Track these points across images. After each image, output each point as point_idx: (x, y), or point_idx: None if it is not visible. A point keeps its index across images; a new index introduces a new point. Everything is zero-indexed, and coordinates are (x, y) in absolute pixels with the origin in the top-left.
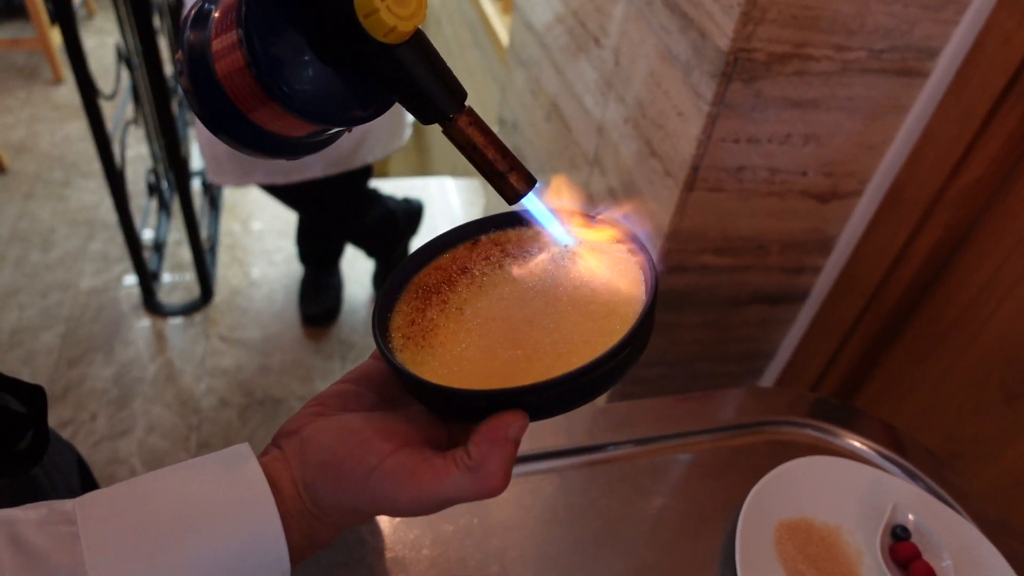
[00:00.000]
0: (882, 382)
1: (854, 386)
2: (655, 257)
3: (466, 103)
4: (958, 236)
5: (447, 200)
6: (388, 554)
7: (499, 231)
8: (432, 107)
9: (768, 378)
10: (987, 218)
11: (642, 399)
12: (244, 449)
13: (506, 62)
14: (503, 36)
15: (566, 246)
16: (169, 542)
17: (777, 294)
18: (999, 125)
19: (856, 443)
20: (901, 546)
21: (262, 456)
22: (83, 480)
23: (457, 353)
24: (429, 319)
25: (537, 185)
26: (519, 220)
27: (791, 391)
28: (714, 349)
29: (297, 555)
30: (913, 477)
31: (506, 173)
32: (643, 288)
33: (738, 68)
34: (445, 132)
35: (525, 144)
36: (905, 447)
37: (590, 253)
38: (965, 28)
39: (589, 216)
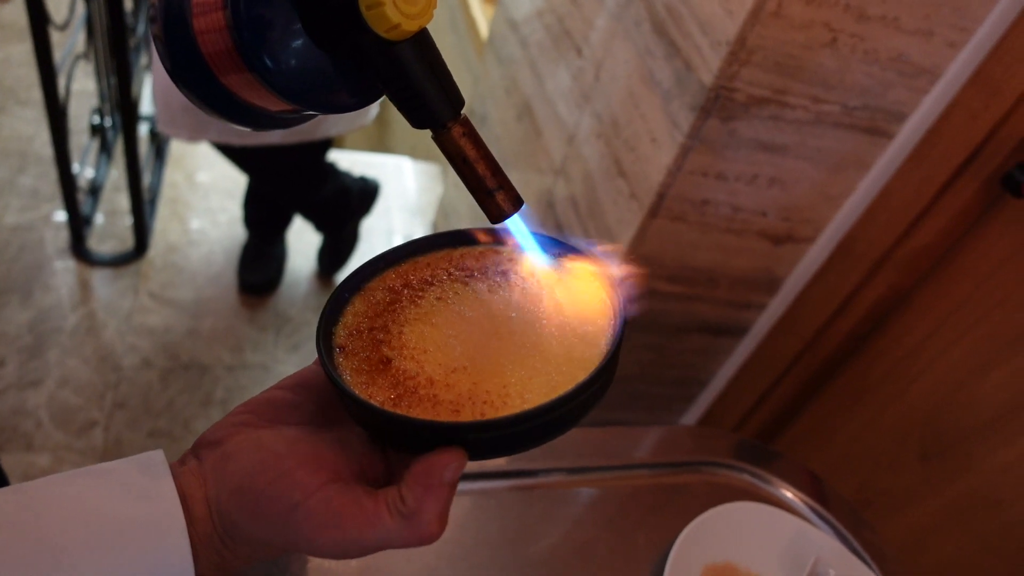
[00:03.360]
0: (807, 424)
1: (780, 424)
2: (625, 301)
3: (462, 112)
4: (898, 296)
5: (403, 182)
6: (314, 562)
7: (469, 246)
8: (425, 112)
9: (700, 405)
10: (928, 284)
11: (584, 426)
12: (157, 458)
13: (482, 53)
14: (482, 26)
15: (540, 272)
16: (56, 563)
17: (720, 326)
18: (953, 197)
19: (787, 492)
20: None
21: (179, 464)
22: None
23: (407, 373)
24: (379, 333)
25: (523, 207)
26: (493, 238)
27: (719, 430)
28: (653, 371)
29: None
30: (836, 532)
31: (494, 191)
32: (609, 331)
33: (718, 105)
34: (435, 139)
35: (492, 140)
36: (830, 500)
37: (562, 286)
38: (934, 98)
39: (570, 247)
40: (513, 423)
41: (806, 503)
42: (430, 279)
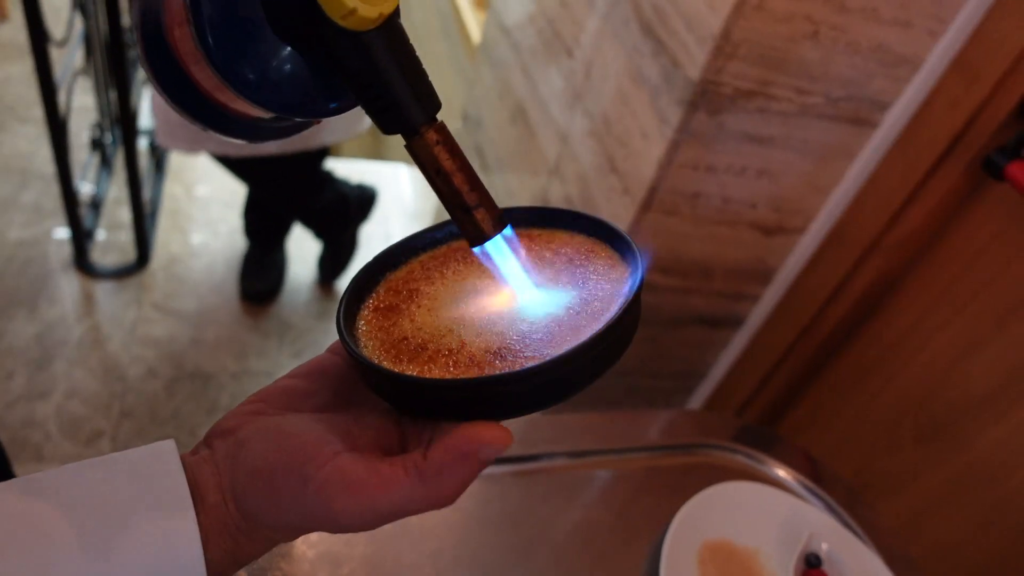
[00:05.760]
0: (805, 411)
1: (779, 412)
2: (640, 248)
3: (438, 116)
4: (889, 282)
5: (399, 188)
6: (321, 547)
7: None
8: (395, 114)
9: (699, 397)
10: (916, 269)
11: (579, 411)
12: (168, 447)
13: (474, 58)
14: (474, 31)
15: (556, 242)
16: (64, 554)
17: (716, 318)
18: (938, 182)
19: (781, 472)
20: (813, 573)
21: (191, 454)
22: None
23: (427, 348)
24: (399, 314)
25: (507, 229)
26: (524, 220)
27: (721, 415)
28: (651, 365)
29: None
30: (830, 509)
31: (473, 208)
32: (625, 283)
33: (705, 99)
34: (408, 147)
35: (487, 143)
36: (825, 480)
37: (575, 250)
38: (916, 87)
39: (573, 215)
40: (540, 372)
41: (801, 482)
42: (445, 261)
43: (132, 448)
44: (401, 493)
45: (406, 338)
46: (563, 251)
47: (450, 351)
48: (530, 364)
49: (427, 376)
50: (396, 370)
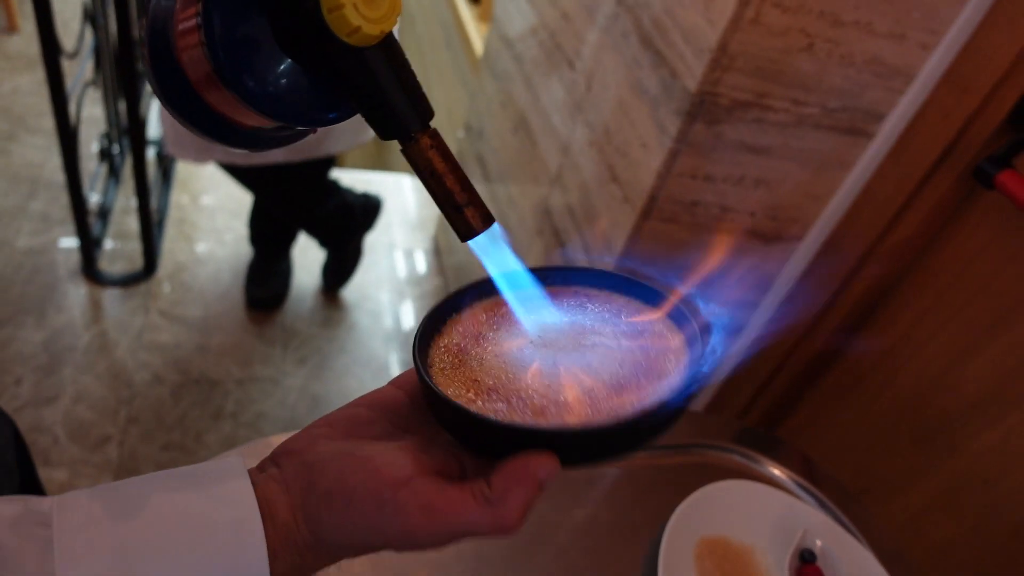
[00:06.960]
0: (804, 415)
1: (778, 417)
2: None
3: (431, 123)
4: (884, 288)
5: (402, 199)
6: None
7: (564, 285)
8: (392, 122)
9: (699, 402)
10: (910, 276)
11: None
12: (235, 463)
13: (477, 69)
14: (476, 43)
15: (620, 304)
16: (144, 562)
17: None
18: (931, 191)
19: (776, 471)
20: (808, 568)
21: (257, 471)
22: (19, 458)
23: (497, 392)
24: (468, 356)
25: (495, 225)
26: (595, 280)
27: (721, 418)
28: None
29: None
30: (823, 507)
31: (463, 207)
32: (687, 349)
33: (703, 109)
34: (404, 151)
35: (489, 153)
36: (819, 478)
37: (638, 305)
38: (910, 98)
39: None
40: (611, 430)
41: (795, 480)
42: (507, 310)
43: (200, 463)
44: (471, 516)
45: (477, 380)
46: (612, 306)
47: (520, 399)
48: (600, 422)
49: (507, 421)
50: (473, 409)
